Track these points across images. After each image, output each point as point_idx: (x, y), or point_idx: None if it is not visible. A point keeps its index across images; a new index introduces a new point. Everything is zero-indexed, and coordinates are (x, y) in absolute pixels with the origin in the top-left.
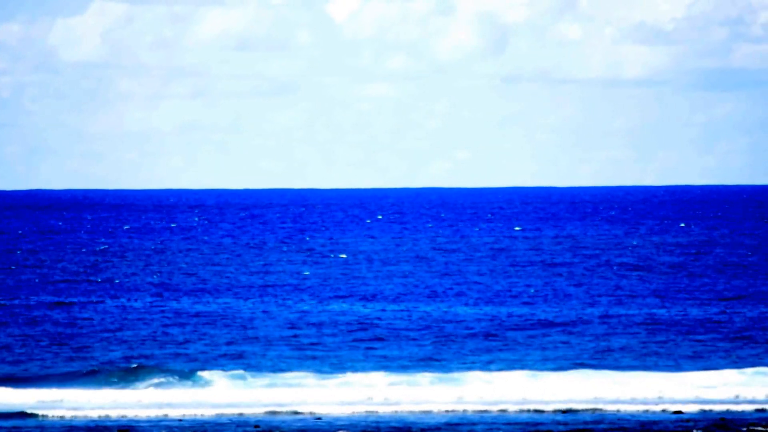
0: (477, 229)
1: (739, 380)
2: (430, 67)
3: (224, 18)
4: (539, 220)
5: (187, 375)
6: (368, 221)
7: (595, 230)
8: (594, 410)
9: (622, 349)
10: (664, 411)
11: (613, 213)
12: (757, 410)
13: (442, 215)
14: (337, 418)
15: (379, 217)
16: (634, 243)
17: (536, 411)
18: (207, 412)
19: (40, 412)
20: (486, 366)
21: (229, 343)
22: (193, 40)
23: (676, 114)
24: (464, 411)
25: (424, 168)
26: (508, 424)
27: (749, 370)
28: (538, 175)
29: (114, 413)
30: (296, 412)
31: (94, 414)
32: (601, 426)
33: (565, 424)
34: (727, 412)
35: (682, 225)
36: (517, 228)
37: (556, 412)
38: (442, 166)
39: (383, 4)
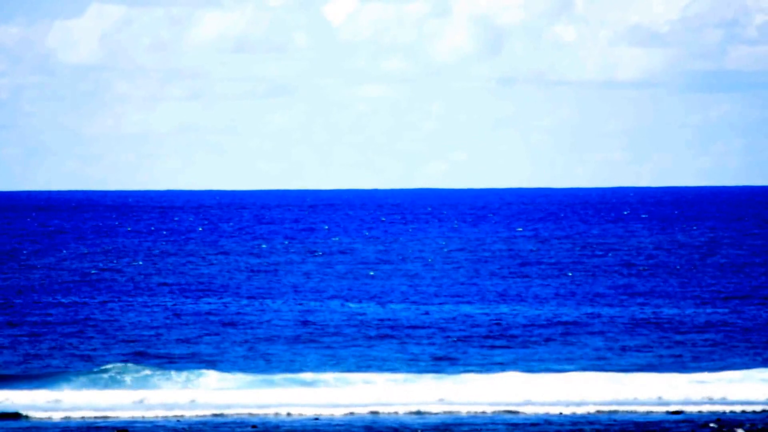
0: (476, 230)
1: (738, 380)
2: (426, 69)
3: (222, 20)
4: (540, 220)
5: (185, 375)
6: (374, 222)
7: (600, 230)
8: (590, 411)
9: (623, 350)
10: (661, 411)
11: (613, 214)
12: (755, 411)
13: (444, 214)
14: (335, 419)
15: (383, 219)
16: (638, 244)
17: (533, 412)
18: (205, 413)
19: (34, 414)
20: (486, 367)
21: (227, 344)
22: (190, 43)
23: (671, 115)
24: (462, 412)
25: (421, 169)
26: (504, 424)
27: (750, 371)
28: (534, 176)
29: (110, 414)
30: (293, 413)
31: (90, 414)
32: (597, 426)
33: (561, 424)
34: (724, 413)
35: (690, 226)
36: (519, 229)
37: (553, 413)
38: (438, 168)
39: (379, 6)
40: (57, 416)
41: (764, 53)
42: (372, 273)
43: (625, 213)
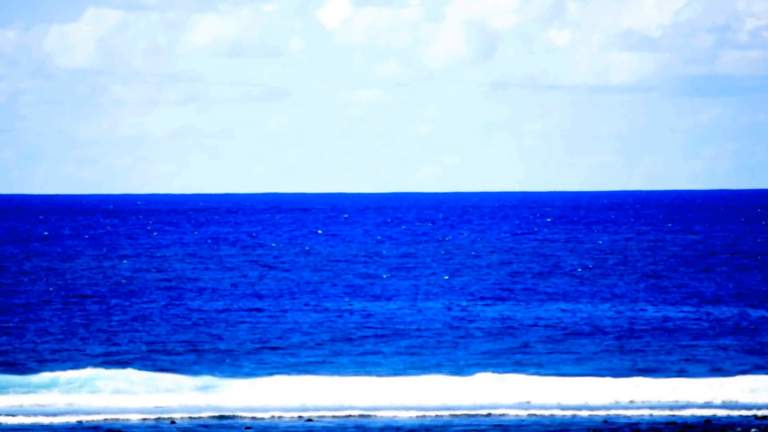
0: (474, 231)
1: (729, 385)
2: (419, 74)
3: (217, 25)
4: (550, 224)
5: (177, 377)
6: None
7: (620, 234)
8: (583, 414)
9: (616, 353)
10: (650, 414)
11: (611, 218)
12: (743, 416)
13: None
14: (328, 420)
15: (388, 220)
16: (643, 246)
17: (528, 414)
18: (199, 415)
19: (11, 420)
20: (468, 370)
21: (221, 346)
22: (186, 47)
23: (663, 119)
24: (453, 414)
25: (414, 173)
26: (495, 426)
27: (745, 377)
28: (526, 180)
29: (102, 417)
30: (285, 416)
31: (82, 418)
32: (580, 428)
33: (551, 426)
34: (714, 416)
35: (694, 228)
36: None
37: (546, 415)
38: (431, 171)
39: (374, 11)
40: (43, 421)
41: (755, 58)
42: (385, 276)
43: (611, 217)
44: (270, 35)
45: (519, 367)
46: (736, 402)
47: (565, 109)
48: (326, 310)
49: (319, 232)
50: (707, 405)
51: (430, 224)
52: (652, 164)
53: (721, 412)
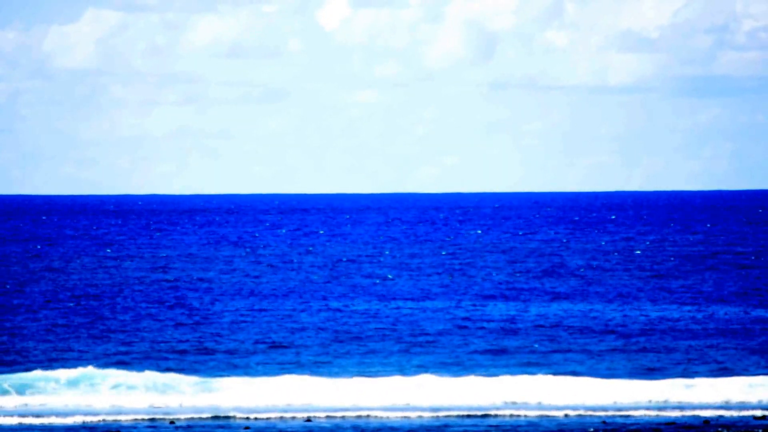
0: (480, 232)
1: (727, 384)
2: (418, 74)
3: (216, 25)
4: (551, 224)
5: (175, 377)
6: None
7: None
8: (581, 414)
9: (615, 355)
10: (649, 415)
11: (612, 218)
12: (742, 416)
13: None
14: (327, 421)
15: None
16: (644, 246)
17: (523, 415)
18: (198, 415)
19: (9, 420)
20: (469, 370)
21: (218, 346)
22: (185, 47)
23: (661, 120)
24: (451, 415)
25: (413, 173)
26: (491, 427)
27: (742, 378)
28: (525, 180)
29: (99, 417)
30: (285, 416)
31: (77, 418)
32: (584, 426)
33: (550, 426)
34: (713, 416)
35: (695, 229)
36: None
37: (544, 416)
38: (430, 172)
39: (373, 12)
40: (42, 421)
41: (753, 59)
42: (390, 276)
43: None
44: (269, 36)
45: (521, 367)
46: (736, 402)
47: (564, 109)
48: (330, 309)
49: (321, 232)
50: (707, 405)
51: (432, 224)
52: (650, 165)
53: (721, 413)
